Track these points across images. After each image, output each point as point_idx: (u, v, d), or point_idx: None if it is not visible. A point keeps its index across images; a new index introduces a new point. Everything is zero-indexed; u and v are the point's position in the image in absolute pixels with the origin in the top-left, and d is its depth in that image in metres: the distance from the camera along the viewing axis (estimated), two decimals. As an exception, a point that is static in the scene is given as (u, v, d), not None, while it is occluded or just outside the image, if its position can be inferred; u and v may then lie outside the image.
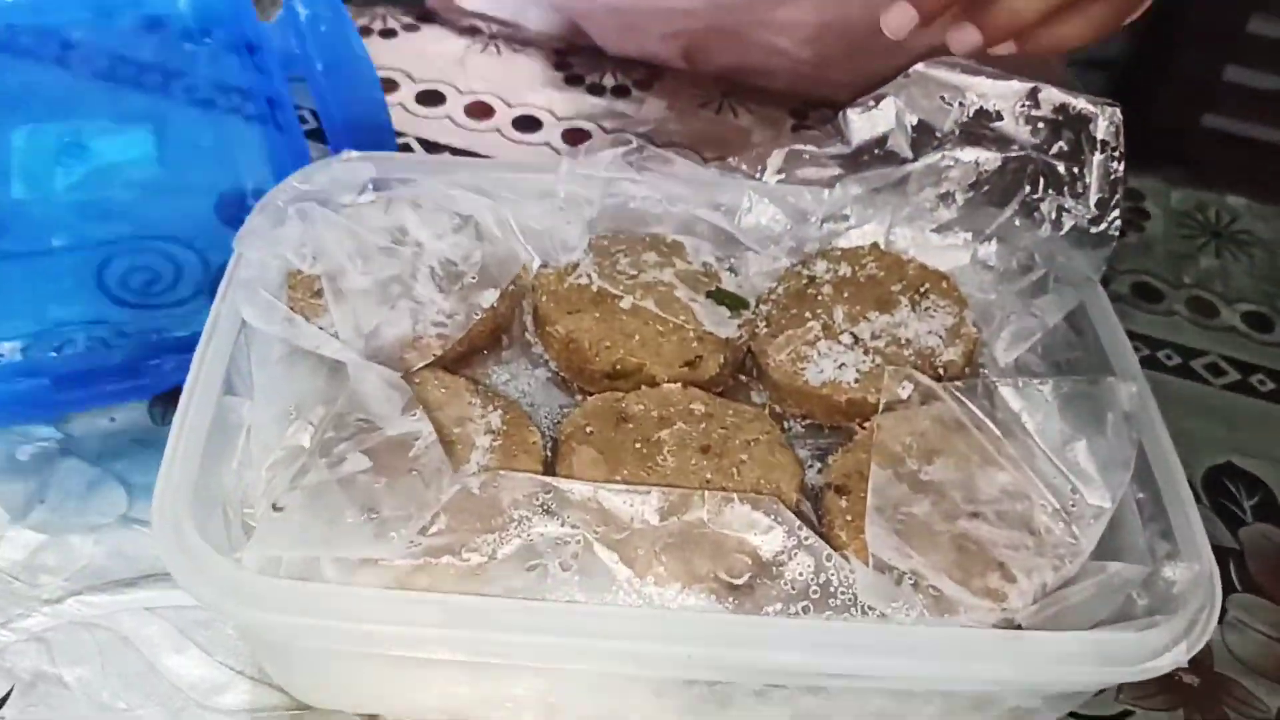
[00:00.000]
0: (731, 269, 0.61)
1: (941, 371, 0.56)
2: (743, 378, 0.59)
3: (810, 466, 0.55)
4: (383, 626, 0.43)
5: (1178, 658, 0.46)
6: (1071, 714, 0.57)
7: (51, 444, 0.62)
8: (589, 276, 0.58)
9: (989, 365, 0.60)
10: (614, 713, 0.51)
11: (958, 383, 0.54)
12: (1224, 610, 0.62)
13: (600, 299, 0.57)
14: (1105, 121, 0.57)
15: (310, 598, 0.43)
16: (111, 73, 0.82)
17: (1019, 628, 0.48)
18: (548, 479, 0.46)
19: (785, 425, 0.57)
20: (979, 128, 0.60)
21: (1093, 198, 0.59)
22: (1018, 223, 0.62)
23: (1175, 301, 0.80)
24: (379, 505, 0.44)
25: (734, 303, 0.59)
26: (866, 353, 0.57)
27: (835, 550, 0.48)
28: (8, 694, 0.52)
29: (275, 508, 0.44)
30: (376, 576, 0.45)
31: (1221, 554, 0.65)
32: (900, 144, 0.61)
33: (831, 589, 0.46)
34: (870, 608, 0.46)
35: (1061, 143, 0.59)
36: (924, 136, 0.61)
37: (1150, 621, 0.46)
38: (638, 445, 0.51)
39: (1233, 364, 0.77)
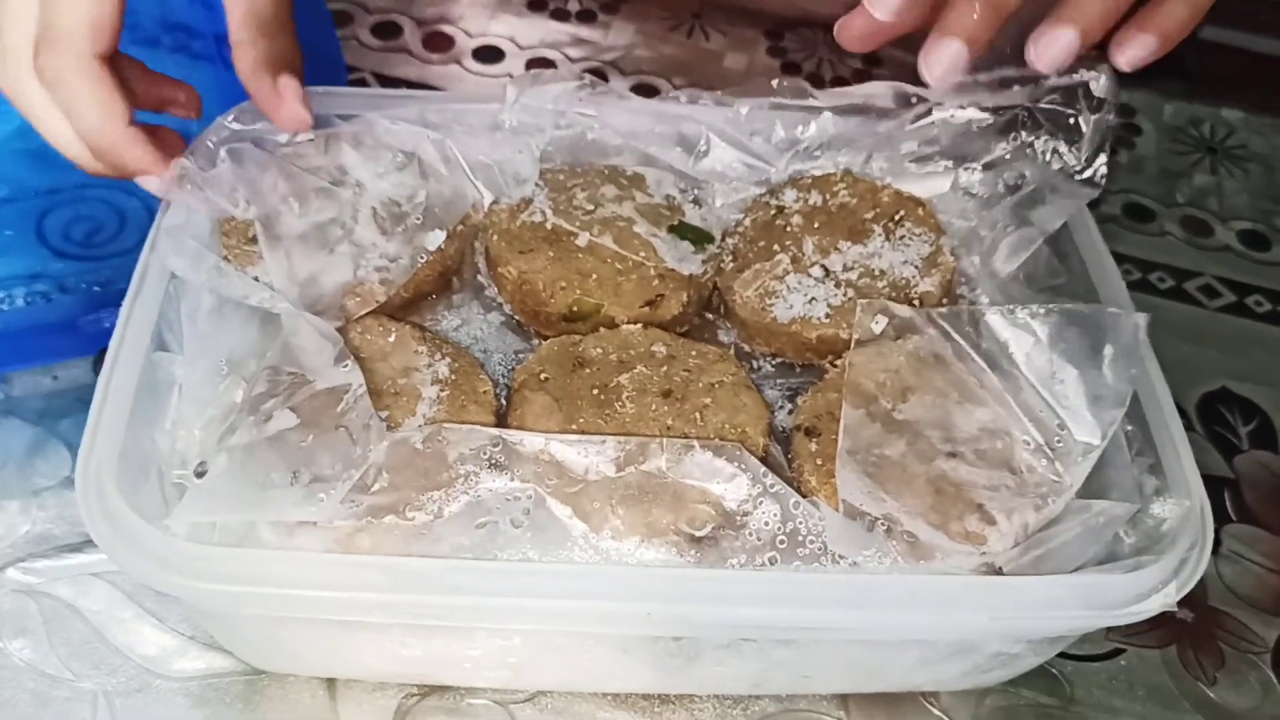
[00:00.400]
0: (696, 201, 0.58)
1: (917, 303, 0.53)
2: (709, 316, 0.56)
3: (780, 408, 0.52)
4: (320, 593, 0.40)
5: (1167, 599, 0.43)
6: (1060, 654, 0.55)
7: (-10, 405, 0.59)
8: (543, 213, 0.55)
9: (984, 282, 0.57)
10: (577, 670, 0.49)
11: (940, 309, 0.51)
12: (1218, 542, 0.61)
13: (555, 237, 0.54)
14: (1104, 80, 0.54)
15: (244, 564, 0.40)
16: (50, 13, 0.78)
17: (1000, 572, 0.45)
18: (495, 431, 0.43)
19: (754, 365, 0.54)
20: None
21: (1085, 150, 0.55)
22: (1008, 156, 0.59)
23: (1168, 221, 0.77)
24: (306, 465, 0.41)
25: (698, 237, 0.55)
26: (838, 286, 0.54)
27: (805, 495, 0.46)
28: (-49, 667, 0.50)
29: (197, 472, 0.41)
30: (316, 539, 0.42)
31: (1216, 484, 0.63)
32: (883, 98, 0.57)
33: (800, 538, 0.43)
34: (841, 556, 0.44)
35: (1057, 96, 0.56)
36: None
37: (1137, 562, 0.44)
38: (595, 391, 0.48)
39: (1228, 285, 0.74)
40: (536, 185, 0.56)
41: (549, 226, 0.54)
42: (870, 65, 0.85)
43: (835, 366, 0.51)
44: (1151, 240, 0.76)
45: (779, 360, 0.54)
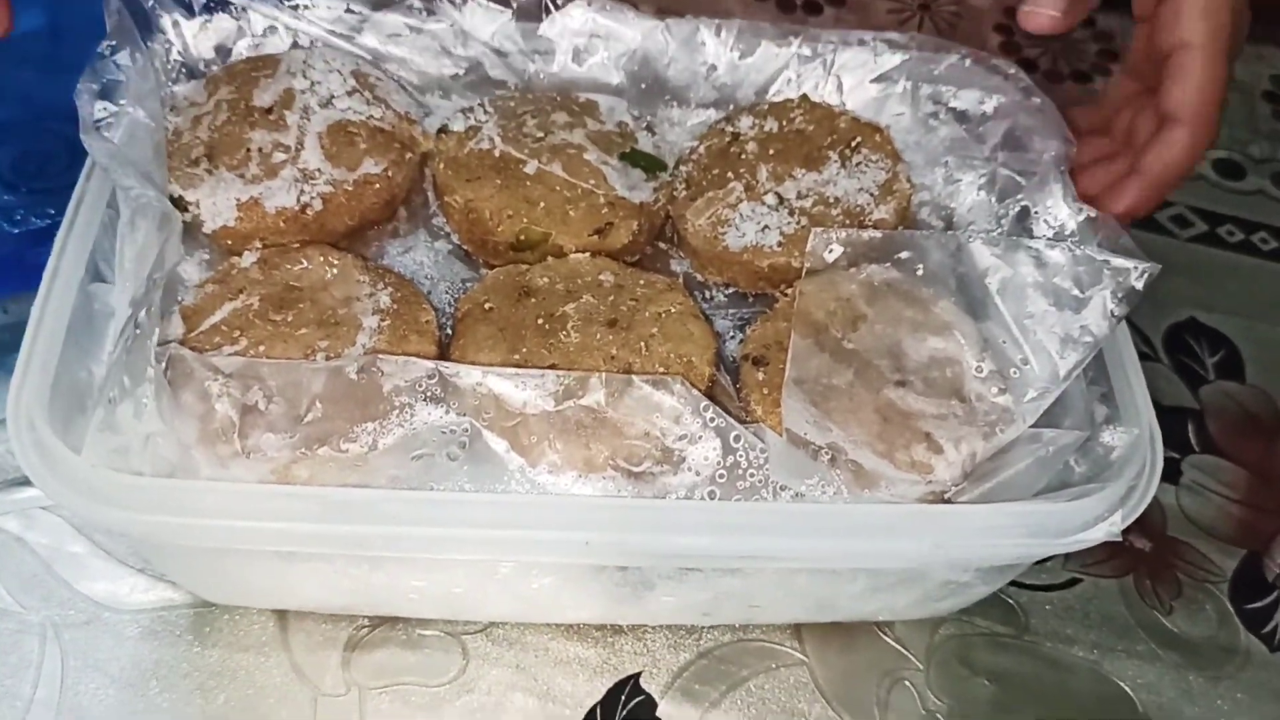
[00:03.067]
0: (649, 128, 0.57)
1: (872, 232, 0.52)
2: (662, 245, 0.55)
3: (731, 337, 0.52)
4: (255, 523, 0.40)
5: (1112, 528, 0.43)
6: (1015, 583, 0.55)
7: (-61, 339, 0.58)
8: (491, 140, 0.53)
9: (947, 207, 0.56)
10: (525, 602, 0.49)
11: (923, 231, 0.50)
12: (1179, 472, 0.60)
13: (503, 164, 0.53)
14: None
15: (177, 496, 0.40)
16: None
17: (948, 502, 0.45)
18: (431, 363, 0.43)
19: (707, 294, 0.54)
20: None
21: None
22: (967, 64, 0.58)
23: (1142, 150, 0.76)
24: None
25: (649, 164, 0.54)
26: (792, 214, 0.53)
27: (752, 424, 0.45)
28: (-100, 603, 0.50)
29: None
30: (251, 470, 0.42)
31: (1180, 414, 0.63)
32: None
33: (740, 471, 0.43)
34: (783, 488, 0.43)
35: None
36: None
37: (1083, 490, 0.43)
38: (540, 321, 0.47)
39: (1201, 215, 0.73)
40: (486, 111, 0.55)
41: (497, 154, 0.53)
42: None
43: (787, 295, 0.50)
44: (1125, 170, 0.74)
45: (731, 290, 0.54)
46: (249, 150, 0.51)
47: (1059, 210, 0.50)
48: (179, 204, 0.50)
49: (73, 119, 0.69)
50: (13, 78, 0.70)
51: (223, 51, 0.57)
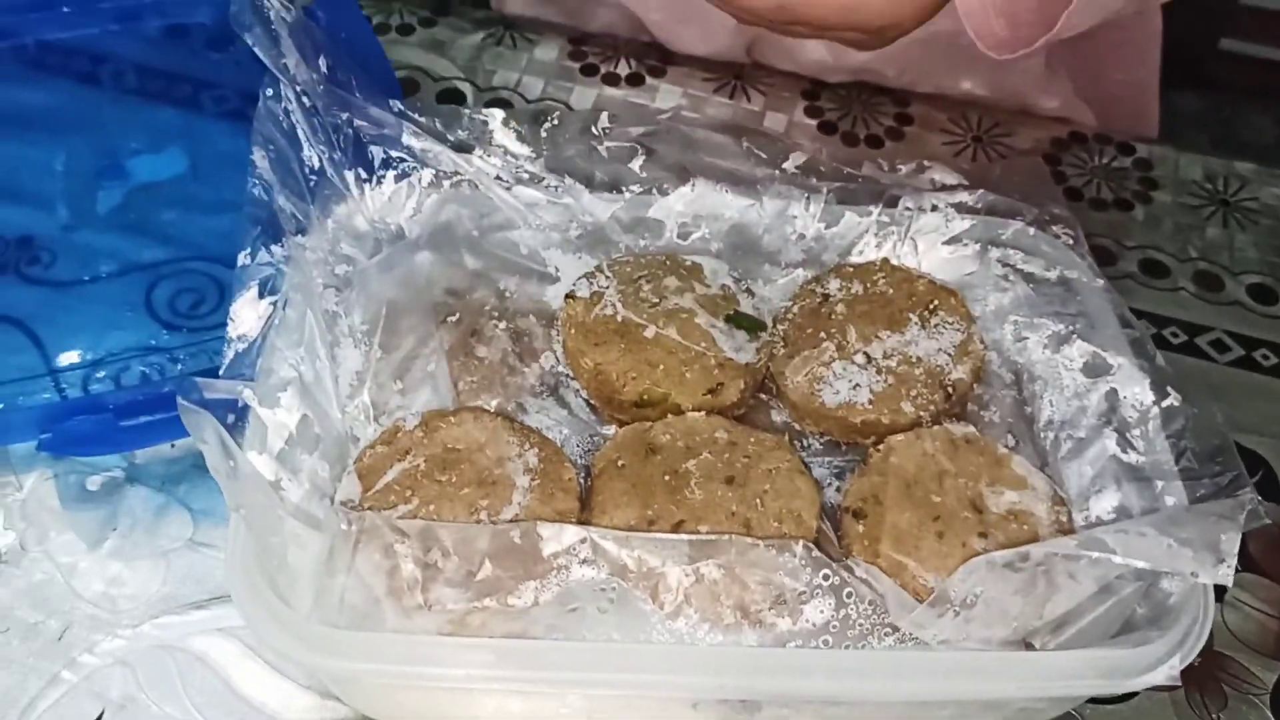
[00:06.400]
0: (749, 290, 0.64)
1: (950, 390, 0.59)
2: (763, 396, 0.62)
3: (829, 485, 0.58)
4: (438, 669, 0.47)
5: (1171, 672, 0.49)
6: (1079, 698, 0.61)
7: (118, 473, 0.66)
8: (614, 306, 0.61)
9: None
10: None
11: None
12: (1223, 589, 0.66)
13: (625, 329, 0.60)
14: None
15: (374, 647, 0.47)
16: (141, 87, 0.84)
17: (1030, 645, 0.51)
18: (583, 530, 0.50)
19: (805, 442, 0.61)
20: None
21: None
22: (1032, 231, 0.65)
23: (1181, 276, 0.82)
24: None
25: (751, 325, 0.62)
26: (879, 373, 0.60)
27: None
28: (99, 716, 0.57)
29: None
30: (431, 619, 0.49)
31: (1222, 534, 0.69)
32: None
33: (851, 622, 0.50)
34: (886, 635, 0.50)
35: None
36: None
37: (1145, 636, 0.50)
38: (666, 477, 0.55)
39: (1236, 339, 0.79)
40: (606, 277, 0.63)
41: (619, 319, 0.60)
42: (902, 123, 0.90)
43: (877, 451, 0.57)
44: (1165, 295, 0.81)
45: (826, 439, 0.61)
46: None
47: (1145, 397, 0.57)
48: None
49: (215, 259, 0.76)
50: (161, 220, 0.77)
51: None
